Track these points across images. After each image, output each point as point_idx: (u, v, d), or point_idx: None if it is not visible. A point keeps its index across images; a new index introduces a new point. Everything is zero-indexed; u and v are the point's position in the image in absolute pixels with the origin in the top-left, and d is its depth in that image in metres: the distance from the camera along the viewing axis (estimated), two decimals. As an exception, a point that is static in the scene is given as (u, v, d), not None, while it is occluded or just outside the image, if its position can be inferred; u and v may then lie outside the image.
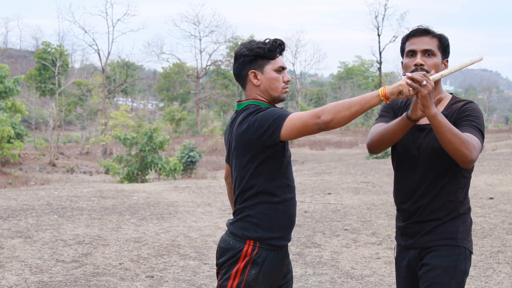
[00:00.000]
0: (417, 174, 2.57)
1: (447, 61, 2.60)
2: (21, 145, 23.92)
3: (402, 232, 2.65)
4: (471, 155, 2.37)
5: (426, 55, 2.54)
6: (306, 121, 2.39)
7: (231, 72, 61.60)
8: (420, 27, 2.59)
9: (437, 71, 2.52)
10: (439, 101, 2.58)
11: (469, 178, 2.62)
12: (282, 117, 2.43)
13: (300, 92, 64.42)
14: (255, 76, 2.58)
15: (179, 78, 53.70)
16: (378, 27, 52.28)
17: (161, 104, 59.51)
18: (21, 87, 28.80)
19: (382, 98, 2.36)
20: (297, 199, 2.64)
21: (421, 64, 2.53)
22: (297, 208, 2.64)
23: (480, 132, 2.47)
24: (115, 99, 53.68)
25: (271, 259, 2.54)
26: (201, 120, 50.20)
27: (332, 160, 23.52)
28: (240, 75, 2.62)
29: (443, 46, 2.57)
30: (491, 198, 9.00)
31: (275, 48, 2.58)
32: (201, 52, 53.54)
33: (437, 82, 2.54)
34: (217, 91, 53.10)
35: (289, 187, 2.58)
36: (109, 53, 41.39)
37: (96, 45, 43.68)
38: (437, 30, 2.62)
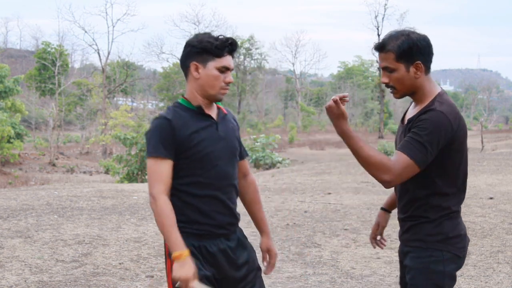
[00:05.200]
0: None
1: (419, 63, 2.44)
2: (21, 145, 23.94)
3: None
4: (382, 176, 2.36)
5: (388, 71, 2.49)
6: None
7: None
8: (377, 43, 2.51)
9: (401, 85, 2.48)
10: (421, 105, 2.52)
11: (443, 184, 2.49)
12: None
13: (300, 92, 64.41)
14: (196, 69, 2.56)
15: (179, 78, 53.58)
16: (378, 27, 52.32)
17: (161, 104, 59.47)
18: (21, 87, 28.81)
19: None
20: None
21: (384, 83, 2.52)
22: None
23: (420, 145, 2.36)
24: (115, 99, 53.66)
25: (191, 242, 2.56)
26: (201, 120, 50.14)
27: (332, 160, 23.52)
28: (184, 65, 2.60)
29: (400, 56, 2.44)
30: (491, 198, 8.99)
31: (224, 46, 2.53)
32: (201, 52, 53.47)
33: (420, 86, 2.49)
34: (217, 91, 52.99)
35: (203, 184, 2.58)
36: (109, 53, 41.45)
37: (96, 45, 43.71)
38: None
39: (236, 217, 2.69)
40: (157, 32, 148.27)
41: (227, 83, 2.58)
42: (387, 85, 2.52)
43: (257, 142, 23.75)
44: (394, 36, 2.46)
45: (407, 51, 2.43)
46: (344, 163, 17.07)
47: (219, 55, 2.53)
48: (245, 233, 2.77)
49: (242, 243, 2.71)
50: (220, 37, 2.55)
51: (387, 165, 2.36)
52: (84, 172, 24.87)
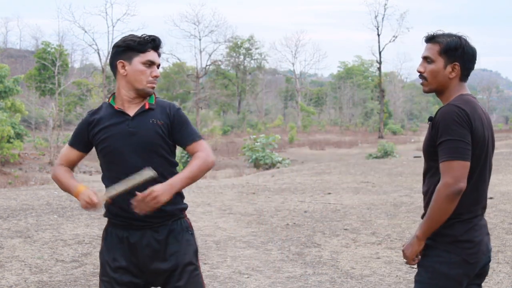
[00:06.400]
0: None
1: (457, 64, 2.55)
2: (21, 145, 23.94)
3: None
4: (449, 195, 2.40)
5: (427, 61, 2.60)
6: None
7: (231, 72, 61.73)
8: (429, 34, 2.63)
9: (433, 78, 2.57)
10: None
11: None
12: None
13: (300, 92, 64.39)
14: (123, 67, 2.71)
15: (179, 78, 53.68)
16: (378, 27, 52.32)
17: (161, 104, 59.41)
18: (21, 87, 28.80)
19: None
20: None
21: (419, 72, 2.62)
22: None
23: (447, 142, 2.43)
24: (115, 99, 53.66)
25: (111, 232, 2.77)
26: (201, 120, 50.20)
27: (332, 160, 23.53)
28: (112, 65, 2.76)
29: (445, 50, 2.55)
30: (491, 198, 8.98)
31: (146, 42, 2.69)
32: (201, 52, 53.50)
33: (449, 87, 2.56)
34: (217, 91, 53.07)
35: (114, 178, 2.69)
36: (109, 53, 41.30)
37: (96, 44, 43.89)
38: (452, 31, 2.62)
39: (159, 210, 2.62)
40: (157, 32, 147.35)
41: (154, 77, 2.72)
42: (421, 75, 2.62)
43: (257, 142, 23.74)
44: (447, 34, 2.61)
45: (452, 49, 2.55)
46: (344, 163, 17.08)
47: (143, 50, 2.69)
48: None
49: (176, 236, 2.75)
50: (142, 35, 2.73)
51: (438, 188, 2.43)
52: (84, 172, 24.87)
